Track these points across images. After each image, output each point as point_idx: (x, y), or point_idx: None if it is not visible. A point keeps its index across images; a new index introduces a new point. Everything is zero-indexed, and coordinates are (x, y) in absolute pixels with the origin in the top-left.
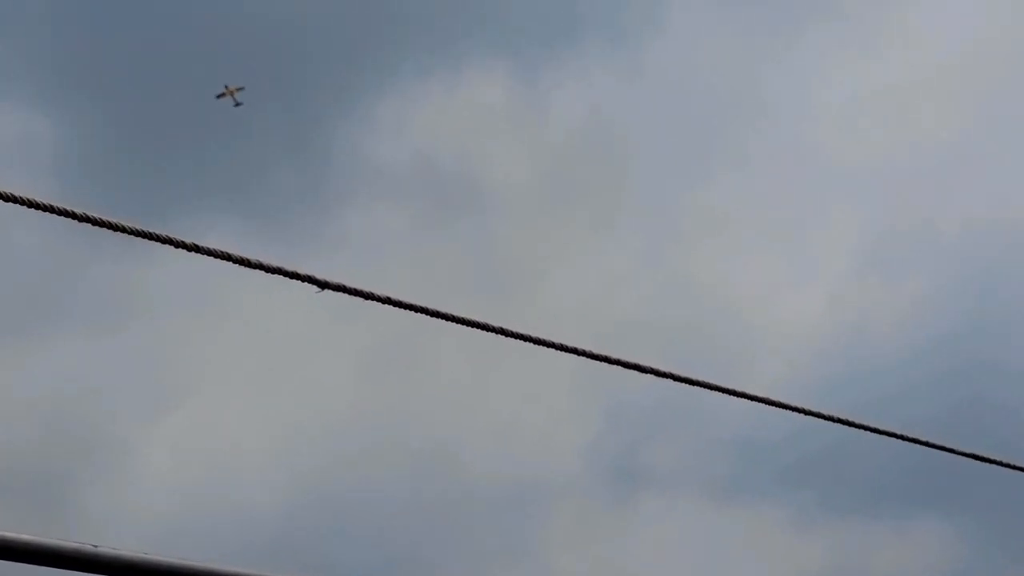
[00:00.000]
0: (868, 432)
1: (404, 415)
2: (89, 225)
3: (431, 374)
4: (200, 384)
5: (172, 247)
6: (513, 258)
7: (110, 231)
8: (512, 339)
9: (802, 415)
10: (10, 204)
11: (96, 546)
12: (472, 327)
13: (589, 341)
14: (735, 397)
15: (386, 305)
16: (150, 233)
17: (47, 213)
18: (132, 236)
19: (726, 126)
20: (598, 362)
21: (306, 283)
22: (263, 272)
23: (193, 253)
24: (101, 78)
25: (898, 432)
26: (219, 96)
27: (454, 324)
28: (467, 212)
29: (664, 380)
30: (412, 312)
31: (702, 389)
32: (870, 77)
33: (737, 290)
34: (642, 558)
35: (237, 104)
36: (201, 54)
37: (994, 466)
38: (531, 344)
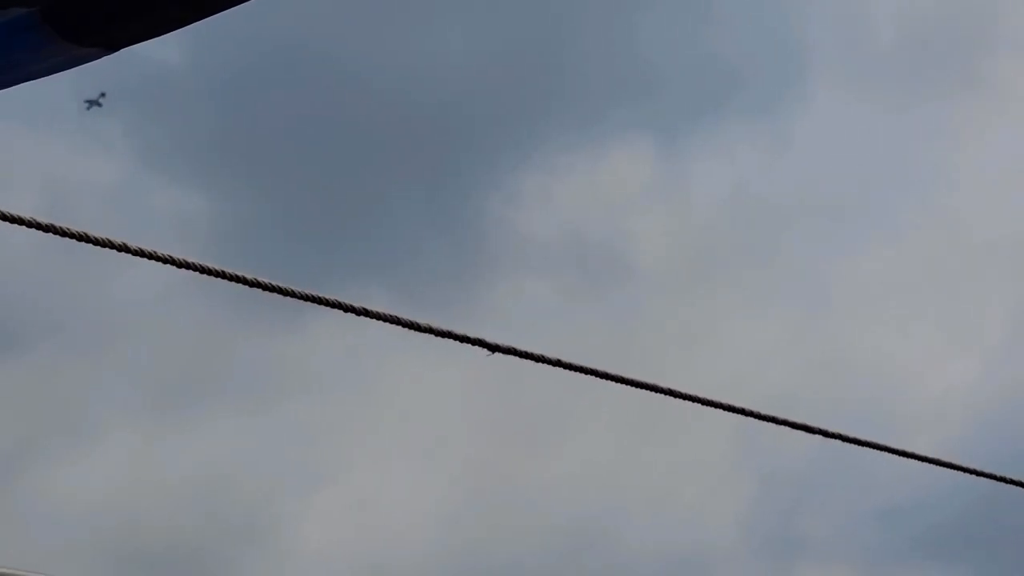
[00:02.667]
0: None
1: (559, 486)
2: (259, 291)
3: (585, 446)
4: (354, 458)
5: (341, 311)
6: (662, 332)
7: (279, 295)
8: (681, 400)
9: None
10: (183, 270)
11: None
12: (641, 388)
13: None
14: (898, 456)
15: (556, 368)
16: (318, 297)
17: (216, 279)
18: (300, 300)
19: (874, 198)
20: (756, 423)
21: (476, 346)
22: (433, 336)
23: (362, 317)
24: (253, 156)
25: None
26: (89, 100)
27: (621, 385)
28: (615, 285)
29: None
30: (581, 374)
31: (861, 451)
32: (1019, 146)
33: (891, 361)
34: None
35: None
36: (350, 131)
37: None
38: (697, 405)
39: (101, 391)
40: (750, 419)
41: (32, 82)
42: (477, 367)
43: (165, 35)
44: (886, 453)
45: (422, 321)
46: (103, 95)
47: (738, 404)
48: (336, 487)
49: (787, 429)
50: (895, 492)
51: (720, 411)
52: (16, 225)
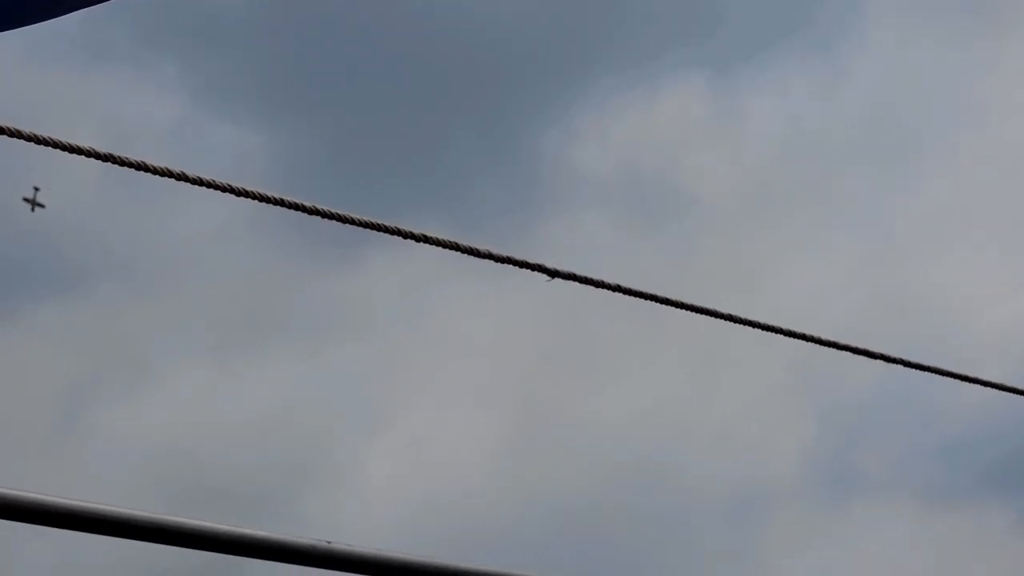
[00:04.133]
0: None
1: (618, 423)
2: (318, 220)
3: (644, 382)
4: (413, 395)
5: (400, 238)
6: (720, 268)
7: (338, 223)
8: (741, 325)
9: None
10: (242, 200)
11: (330, 542)
12: (701, 313)
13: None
14: (960, 383)
15: (615, 293)
16: (377, 224)
17: (275, 207)
18: (359, 228)
19: (933, 132)
20: (817, 354)
21: (536, 271)
22: (492, 261)
23: (421, 244)
24: (310, 93)
25: None
26: (25, 199)
27: (683, 311)
28: (673, 221)
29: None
30: (642, 300)
31: (922, 384)
32: None
33: (954, 294)
34: (859, 564)
35: (35, 207)
36: (406, 66)
37: None
38: (757, 331)
39: (162, 330)
40: (811, 349)
41: (87, 19)
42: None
43: None
44: (948, 379)
45: (481, 247)
46: (37, 190)
47: (798, 329)
48: (395, 425)
49: (848, 356)
50: (957, 426)
51: (780, 339)
52: (76, 155)
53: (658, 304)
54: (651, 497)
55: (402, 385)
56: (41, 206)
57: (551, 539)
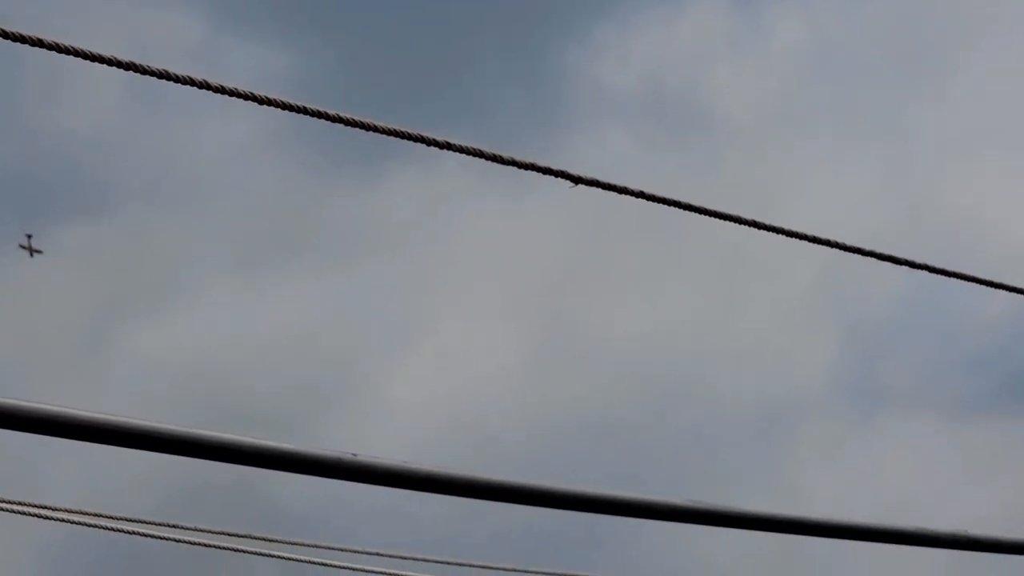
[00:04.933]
0: None
1: (646, 337)
2: (341, 128)
3: (672, 297)
4: (439, 313)
5: (424, 145)
6: (744, 182)
7: (362, 131)
8: (767, 232)
9: None
10: (265, 109)
11: (356, 455)
12: (727, 220)
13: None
14: (985, 288)
15: (639, 200)
16: (402, 132)
17: (298, 115)
18: (383, 135)
19: (958, 42)
20: (844, 263)
21: (559, 178)
22: (515, 168)
23: (444, 151)
24: (334, 13)
25: None
26: (21, 246)
27: (707, 217)
28: (697, 135)
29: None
30: (666, 207)
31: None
32: None
33: (980, 208)
34: (885, 475)
35: (34, 253)
36: None
37: None
38: (784, 238)
39: (187, 250)
40: (836, 257)
41: None
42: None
43: None
44: (973, 286)
45: (505, 154)
46: (30, 237)
47: (823, 235)
48: (421, 342)
49: (873, 263)
50: (982, 337)
51: (805, 247)
52: (99, 64)
53: (681, 211)
54: (678, 410)
55: (428, 301)
56: (39, 252)
57: (578, 453)
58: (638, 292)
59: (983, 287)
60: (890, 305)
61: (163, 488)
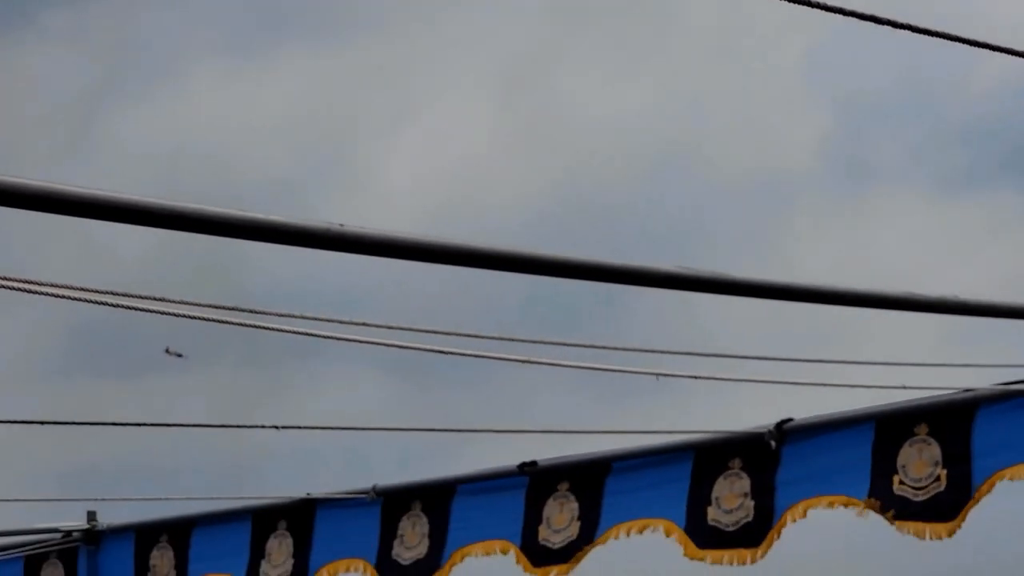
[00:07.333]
0: None
1: (639, 114)
2: None
3: (662, 70)
4: (439, 91)
5: None
6: None
7: None
8: None
9: None
10: None
11: (342, 224)
12: None
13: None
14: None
15: None
16: None
17: None
18: None
19: None
20: (831, 19)
21: None
22: None
23: None
24: None
25: None
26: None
27: None
28: None
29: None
30: None
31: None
32: None
33: None
34: (875, 252)
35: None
36: None
37: None
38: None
39: (176, 28)
40: (828, 22)
41: None
42: None
43: None
44: (967, 48)
45: None
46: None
47: None
48: (414, 122)
49: (855, 24)
50: (975, 108)
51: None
52: None
53: None
54: (667, 187)
55: (422, 80)
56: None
57: (570, 232)
58: (629, 67)
59: (973, 50)
60: (881, 76)
61: (163, 268)
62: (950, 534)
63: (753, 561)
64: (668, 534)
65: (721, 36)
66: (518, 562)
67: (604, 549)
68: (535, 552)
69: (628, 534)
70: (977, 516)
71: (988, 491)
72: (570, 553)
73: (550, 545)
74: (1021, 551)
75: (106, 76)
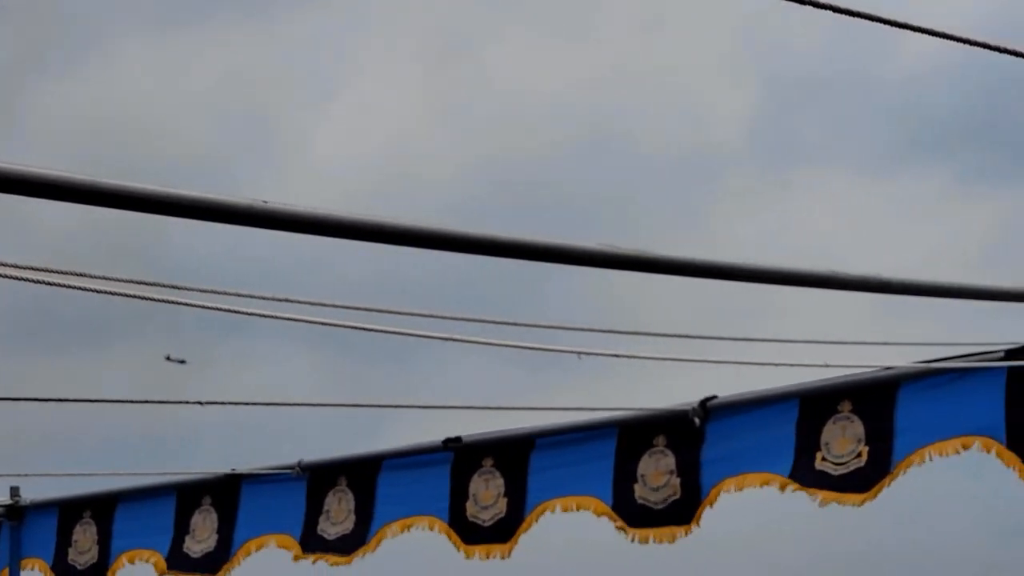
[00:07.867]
0: None
1: (569, 90)
2: None
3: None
4: (368, 66)
5: None
6: None
7: None
8: None
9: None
10: None
11: (267, 201)
12: None
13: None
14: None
15: None
16: None
17: None
18: None
19: None
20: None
21: None
22: None
23: None
24: None
25: None
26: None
27: None
28: None
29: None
30: None
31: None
32: None
33: None
34: (802, 229)
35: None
36: None
37: None
38: None
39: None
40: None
41: None
42: None
43: None
44: (889, 29)
45: None
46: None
47: None
48: (347, 95)
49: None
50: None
51: None
52: None
53: None
54: (596, 163)
55: (351, 54)
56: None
57: (499, 209)
58: (558, 43)
59: (894, 30)
60: (809, 59)
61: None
62: (861, 503)
63: (685, 536)
64: (597, 513)
65: (650, 13)
66: (450, 539)
67: (537, 527)
68: (464, 528)
69: (555, 512)
70: (894, 491)
71: (907, 467)
72: (503, 531)
73: (480, 522)
74: (935, 524)
75: (30, 49)
